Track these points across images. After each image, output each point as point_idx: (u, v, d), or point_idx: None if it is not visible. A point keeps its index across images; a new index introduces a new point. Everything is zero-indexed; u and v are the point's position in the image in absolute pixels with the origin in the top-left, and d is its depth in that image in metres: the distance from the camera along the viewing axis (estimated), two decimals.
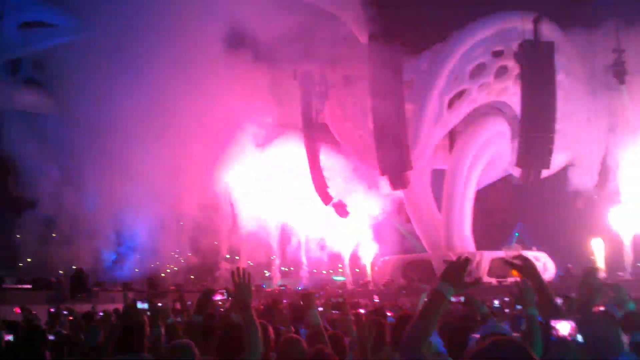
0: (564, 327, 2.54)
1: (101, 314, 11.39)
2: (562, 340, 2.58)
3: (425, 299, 3.06)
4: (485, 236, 37.95)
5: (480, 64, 29.58)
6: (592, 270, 4.56)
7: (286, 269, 42.23)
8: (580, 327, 2.52)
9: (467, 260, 3.03)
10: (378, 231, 39.58)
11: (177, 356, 3.57)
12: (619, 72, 27.63)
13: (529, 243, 38.14)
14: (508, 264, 3.31)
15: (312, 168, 34.80)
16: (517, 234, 38.44)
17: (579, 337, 2.53)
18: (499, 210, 37.13)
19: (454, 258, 3.30)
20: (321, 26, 29.83)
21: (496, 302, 14.03)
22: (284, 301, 12.78)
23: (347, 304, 6.94)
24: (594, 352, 2.56)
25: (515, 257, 3.26)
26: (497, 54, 29.52)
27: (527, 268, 3.32)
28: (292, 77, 34.27)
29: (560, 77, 28.53)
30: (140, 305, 4.82)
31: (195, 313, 5.25)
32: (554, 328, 2.57)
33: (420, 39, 32.76)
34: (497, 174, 34.12)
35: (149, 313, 5.34)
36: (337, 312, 6.95)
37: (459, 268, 2.98)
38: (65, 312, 7.95)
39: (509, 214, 37.48)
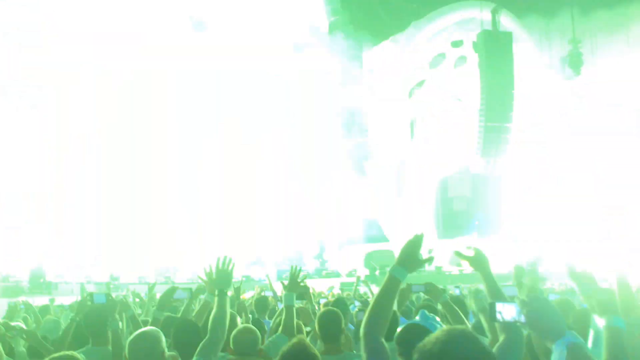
0: (508, 310, 2.60)
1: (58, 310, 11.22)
2: (506, 322, 2.65)
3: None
4: (447, 225, 38.37)
5: (439, 54, 29.82)
6: (535, 263, 4.70)
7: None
8: (523, 310, 2.58)
9: (419, 238, 2.98)
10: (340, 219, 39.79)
11: (144, 345, 3.52)
12: (575, 63, 28.08)
13: (487, 232, 38.72)
14: (458, 254, 3.32)
15: None
16: (476, 223, 38.94)
17: (522, 319, 2.60)
18: (460, 199, 37.48)
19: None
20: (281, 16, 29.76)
21: (456, 291, 14.24)
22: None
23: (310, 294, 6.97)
24: (538, 332, 2.65)
25: (468, 248, 3.27)
26: (456, 44, 29.78)
27: (477, 260, 3.24)
28: None
29: (518, 67, 29.00)
30: (98, 298, 4.72)
31: (158, 309, 5.20)
32: (498, 311, 2.63)
33: (380, 28, 32.82)
34: (457, 162, 34.49)
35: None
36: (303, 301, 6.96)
37: (412, 247, 2.93)
38: (22, 306, 7.78)
39: (470, 203, 37.84)
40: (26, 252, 28.45)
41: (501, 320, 2.62)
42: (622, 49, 28.98)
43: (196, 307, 5.66)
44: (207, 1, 27.90)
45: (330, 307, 4.82)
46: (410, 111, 31.51)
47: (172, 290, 5.51)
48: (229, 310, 3.75)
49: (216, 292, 3.82)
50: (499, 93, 26.90)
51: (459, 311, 4.73)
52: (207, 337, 3.67)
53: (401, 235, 32.70)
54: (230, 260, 3.90)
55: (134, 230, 29.87)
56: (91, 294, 4.95)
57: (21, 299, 8.85)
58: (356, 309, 7.62)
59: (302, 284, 4.81)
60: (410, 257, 2.91)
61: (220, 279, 3.85)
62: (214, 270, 3.96)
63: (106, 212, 30.19)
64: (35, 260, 27.20)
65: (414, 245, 2.95)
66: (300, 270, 4.68)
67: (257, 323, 5.70)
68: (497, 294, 3.06)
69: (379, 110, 29.71)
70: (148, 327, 3.88)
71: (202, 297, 5.57)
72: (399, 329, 3.18)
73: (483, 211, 40.04)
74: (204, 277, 4.74)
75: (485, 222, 40.27)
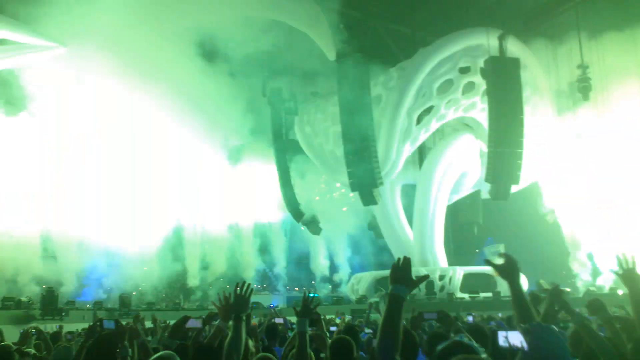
0: (512, 337, 2.58)
1: (69, 336, 11.21)
2: (508, 349, 2.62)
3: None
4: (457, 252, 38.26)
5: (447, 80, 29.94)
6: (557, 289, 4.64)
7: (259, 286, 42.21)
8: (526, 338, 2.55)
9: (407, 260, 3.12)
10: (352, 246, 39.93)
11: None
12: (584, 88, 28.10)
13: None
14: (488, 262, 3.28)
15: (282, 185, 34.84)
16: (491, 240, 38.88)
17: (525, 347, 2.56)
18: (470, 226, 37.38)
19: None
20: (290, 43, 30.04)
21: (469, 318, 14.10)
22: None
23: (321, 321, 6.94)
24: None
25: (500, 256, 3.22)
26: (464, 71, 29.91)
27: (507, 268, 3.20)
28: (262, 93, 34.46)
29: (527, 93, 29.08)
30: (107, 324, 4.75)
31: (170, 337, 5.20)
32: (501, 337, 2.61)
33: (388, 55, 33.10)
34: (467, 189, 34.42)
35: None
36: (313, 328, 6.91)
37: (403, 267, 3.07)
38: (34, 332, 7.80)
39: (481, 229, 37.74)
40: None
41: (505, 347, 2.60)
42: (633, 71, 29.05)
43: (207, 333, 5.66)
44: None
45: (341, 336, 4.84)
46: (420, 137, 31.56)
47: (185, 319, 5.53)
48: (244, 336, 3.76)
49: (232, 317, 3.83)
50: (508, 119, 26.91)
51: (472, 340, 4.69)
52: None
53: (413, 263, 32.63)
54: (248, 285, 3.92)
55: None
56: (101, 320, 4.97)
57: (32, 325, 8.88)
58: (367, 336, 7.59)
59: (314, 310, 4.82)
60: (406, 275, 3.05)
61: (238, 304, 3.87)
62: (232, 295, 3.98)
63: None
64: (46, 284, 27.39)
65: (404, 265, 3.09)
66: (313, 295, 4.67)
67: (268, 350, 5.71)
68: (522, 307, 3.01)
69: (386, 137, 29.74)
70: (165, 352, 3.91)
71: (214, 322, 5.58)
72: (440, 346, 3.14)
73: (494, 237, 40.03)
74: (218, 304, 4.75)
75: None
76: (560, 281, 29.93)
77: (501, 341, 2.62)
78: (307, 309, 4.61)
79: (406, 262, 3.08)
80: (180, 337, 5.48)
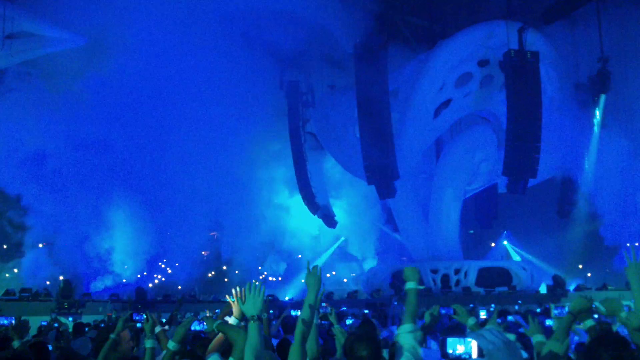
0: (461, 345, 2.49)
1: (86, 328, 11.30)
2: (457, 357, 2.52)
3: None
4: (473, 245, 38.15)
5: (466, 73, 29.73)
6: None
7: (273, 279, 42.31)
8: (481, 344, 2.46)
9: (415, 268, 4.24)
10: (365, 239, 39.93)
11: None
12: (603, 82, 27.79)
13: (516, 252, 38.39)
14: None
15: (299, 178, 34.83)
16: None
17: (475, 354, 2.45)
18: (487, 220, 37.23)
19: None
20: (307, 35, 29.95)
21: (483, 313, 14.04)
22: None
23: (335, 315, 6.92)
24: None
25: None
26: (483, 63, 29.68)
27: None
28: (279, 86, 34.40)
29: (545, 86, 28.79)
30: (137, 316, 4.78)
31: (174, 342, 5.09)
32: (449, 346, 2.52)
33: (406, 48, 32.90)
34: (483, 182, 34.23)
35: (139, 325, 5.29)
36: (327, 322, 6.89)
37: (413, 271, 4.17)
38: (55, 324, 7.89)
39: (497, 223, 37.59)
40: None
41: (452, 356, 2.50)
42: None
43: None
44: None
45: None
46: (437, 131, 31.37)
47: (190, 320, 5.49)
48: (261, 337, 3.64)
49: (250, 318, 3.70)
50: (526, 112, 26.65)
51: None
52: None
53: (428, 257, 32.56)
54: (260, 285, 3.82)
55: None
56: (131, 314, 4.98)
57: (54, 316, 9.00)
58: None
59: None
60: (415, 275, 4.19)
61: (250, 305, 3.73)
62: (243, 296, 3.81)
63: None
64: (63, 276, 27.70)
65: (413, 270, 4.20)
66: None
67: (286, 342, 5.68)
68: None
69: (404, 130, 29.60)
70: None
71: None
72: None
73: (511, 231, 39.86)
74: (230, 300, 4.67)
75: (512, 242, 40.00)
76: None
77: (448, 351, 2.53)
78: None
79: (414, 269, 4.32)
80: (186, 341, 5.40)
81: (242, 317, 4.26)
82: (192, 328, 6.00)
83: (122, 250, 32.80)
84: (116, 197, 31.88)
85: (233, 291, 4.35)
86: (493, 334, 2.46)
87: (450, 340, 2.52)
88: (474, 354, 2.52)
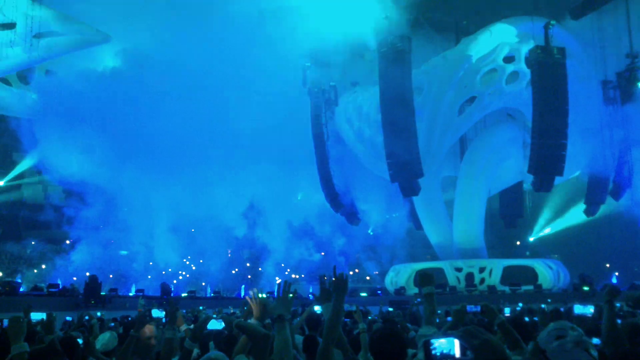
0: (446, 345, 2.42)
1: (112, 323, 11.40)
2: (445, 357, 2.45)
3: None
4: (497, 244, 37.81)
5: (491, 70, 29.45)
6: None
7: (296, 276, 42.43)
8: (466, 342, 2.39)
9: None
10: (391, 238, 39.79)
11: None
12: (633, 78, 27.37)
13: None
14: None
15: (322, 177, 34.71)
16: None
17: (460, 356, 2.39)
18: (512, 218, 36.86)
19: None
20: (331, 33, 29.85)
21: (507, 311, 13.89)
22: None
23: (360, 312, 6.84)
24: None
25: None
26: (509, 60, 29.38)
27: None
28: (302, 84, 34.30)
29: (572, 83, 28.38)
30: (157, 313, 4.75)
31: (191, 340, 5.04)
32: (434, 345, 2.44)
33: (431, 45, 32.65)
34: (508, 180, 33.89)
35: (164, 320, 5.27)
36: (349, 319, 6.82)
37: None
38: (87, 318, 7.98)
39: (522, 222, 37.21)
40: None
41: (438, 357, 2.42)
42: None
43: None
44: None
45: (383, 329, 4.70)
46: (461, 128, 31.11)
47: (207, 319, 5.45)
48: (290, 337, 3.58)
49: (276, 318, 3.66)
50: (553, 109, 26.32)
51: (515, 332, 4.54)
52: None
53: (452, 255, 32.35)
54: (290, 285, 3.79)
55: None
56: (149, 310, 4.97)
57: (84, 312, 9.09)
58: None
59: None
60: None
61: (281, 305, 3.70)
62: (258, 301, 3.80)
63: None
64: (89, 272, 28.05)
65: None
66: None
67: (312, 340, 5.64)
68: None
69: (428, 128, 29.39)
70: (215, 352, 3.88)
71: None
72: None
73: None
74: (250, 303, 4.61)
75: (537, 241, 39.52)
76: None
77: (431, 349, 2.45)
78: (327, 293, 4.31)
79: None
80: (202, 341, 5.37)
81: (263, 319, 4.20)
82: (212, 327, 5.97)
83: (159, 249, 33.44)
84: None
85: (251, 292, 4.32)
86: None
87: (433, 340, 2.46)
88: (457, 353, 2.47)
